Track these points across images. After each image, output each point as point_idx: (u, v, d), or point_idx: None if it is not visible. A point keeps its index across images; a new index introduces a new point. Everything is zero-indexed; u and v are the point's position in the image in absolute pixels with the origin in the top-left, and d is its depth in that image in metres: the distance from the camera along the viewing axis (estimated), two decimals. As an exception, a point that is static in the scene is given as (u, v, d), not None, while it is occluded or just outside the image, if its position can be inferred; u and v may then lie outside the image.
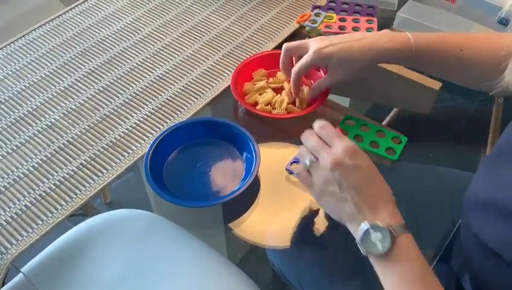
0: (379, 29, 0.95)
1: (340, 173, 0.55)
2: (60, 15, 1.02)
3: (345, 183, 0.55)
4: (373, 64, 0.72)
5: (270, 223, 0.72)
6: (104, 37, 0.97)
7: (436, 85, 0.86)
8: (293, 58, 0.79)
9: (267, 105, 0.82)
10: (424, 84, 0.86)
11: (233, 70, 0.89)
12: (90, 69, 0.90)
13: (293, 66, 0.78)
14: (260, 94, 0.84)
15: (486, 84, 0.72)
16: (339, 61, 0.70)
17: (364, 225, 0.53)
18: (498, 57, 0.66)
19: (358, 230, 0.53)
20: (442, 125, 1.34)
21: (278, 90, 0.85)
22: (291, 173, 0.75)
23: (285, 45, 0.77)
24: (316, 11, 0.99)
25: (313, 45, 0.72)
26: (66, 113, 0.83)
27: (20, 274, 0.64)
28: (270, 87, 0.85)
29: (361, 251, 0.53)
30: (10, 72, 0.90)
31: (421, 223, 0.73)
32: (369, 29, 0.95)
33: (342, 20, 0.97)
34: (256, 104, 0.83)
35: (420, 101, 0.89)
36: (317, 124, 0.60)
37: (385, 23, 1.01)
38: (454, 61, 0.70)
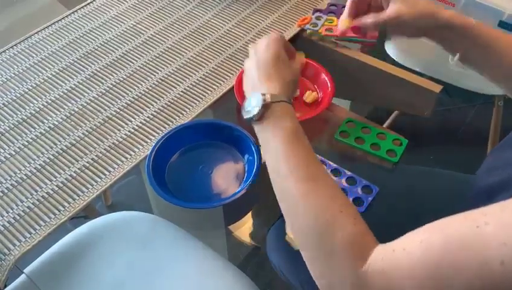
0: (379, 32, 0.96)
1: (254, 59, 0.66)
2: (62, 18, 1.02)
3: (252, 68, 0.65)
4: (432, 17, 0.69)
5: (270, 225, 0.72)
6: (106, 40, 0.97)
7: (437, 88, 0.86)
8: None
9: None
10: (424, 87, 0.87)
11: (234, 73, 0.89)
12: (92, 72, 0.91)
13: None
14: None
15: None
16: None
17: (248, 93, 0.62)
18: None
19: (244, 101, 0.62)
20: (442, 128, 1.34)
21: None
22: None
23: None
24: (317, 14, 0.99)
25: None
26: (69, 115, 0.83)
27: (23, 275, 0.64)
28: None
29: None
30: (13, 75, 0.90)
31: (421, 224, 0.73)
32: (369, 33, 0.95)
33: (343, 23, 0.97)
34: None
35: (420, 104, 0.89)
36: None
37: (385, 27, 1.01)
38: (503, 43, 0.68)
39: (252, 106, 0.59)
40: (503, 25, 0.96)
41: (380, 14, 0.72)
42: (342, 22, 0.77)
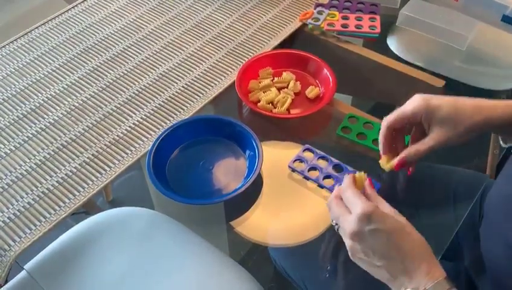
0: (382, 27, 0.95)
1: (361, 243, 0.53)
2: (62, 13, 1.02)
3: (369, 251, 0.53)
4: (485, 126, 0.61)
5: (272, 221, 0.72)
6: (106, 35, 0.97)
7: (439, 83, 0.86)
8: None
9: (269, 104, 0.82)
10: (427, 82, 0.86)
11: (235, 69, 0.89)
12: (92, 67, 0.90)
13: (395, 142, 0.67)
14: (264, 92, 0.84)
15: None
16: (447, 116, 0.60)
17: (404, 286, 0.50)
18: None
19: None
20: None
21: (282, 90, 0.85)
22: (294, 170, 0.75)
23: (385, 121, 0.64)
24: (319, 9, 0.99)
25: (417, 96, 0.62)
26: (69, 111, 0.83)
27: (23, 271, 0.64)
28: (275, 86, 0.85)
29: None
30: (13, 70, 0.90)
31: (424, 221, 0.73)
32: (372, 27, 0.95)
33: (345, 18, 0.97)
34: (259, 102, 0.83)
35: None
36: (342, 185, 0.58)
37: (388, 21, 1.00)
38: None
39: None
40: (506, 19, 0.95)
41: (422, 144, 0.62)
42: (383, 164, 0.67)
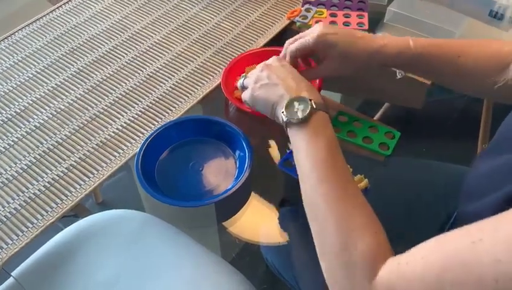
0: (370, 24, 0.95)
1: (268, 70, 0.66)
2: (46, 14, 1.00)
3: (273, 74, 0.65)
4: (371, 64, 0.69)
5: (264, 221, 0.71)
6: (92, 35, 0.95)
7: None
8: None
9: None
10: (416, 79, 0.86)
11: (223, 68, 0.88)
12: (78, 68, 0.89)
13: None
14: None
15: (485, 92, 0.71)
16: (341, 53, 0.68)
17: (290, 96, 0.61)
18: (497, 65, 0.64)
19: (284, 102, 0.61)
20: (434, 119, 1.34)
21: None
22: (284, 170, 0.74)
23: (288, 45, 0.71)
24: (307, 6, 0.98)
25: (318, 28, 0.69)
26: (55, 113, 0.82)
27: (11, 278, 0.63)
28: None
29: (283, 119, 0.60)
30: (-3, 73, 0.88)
31: (415, 217, 0.73)
32: (360, 24, 0.94)
33: (333, 15, 0.96)
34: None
35: (412, 96, 0.89)
36: None
37: (376, 17, 1.00)
38: (451, 68, 0.68)
39: (297, 108, 0.59)
40: (493, 14, 0.96)
41: (314, 73, 0.73)
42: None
